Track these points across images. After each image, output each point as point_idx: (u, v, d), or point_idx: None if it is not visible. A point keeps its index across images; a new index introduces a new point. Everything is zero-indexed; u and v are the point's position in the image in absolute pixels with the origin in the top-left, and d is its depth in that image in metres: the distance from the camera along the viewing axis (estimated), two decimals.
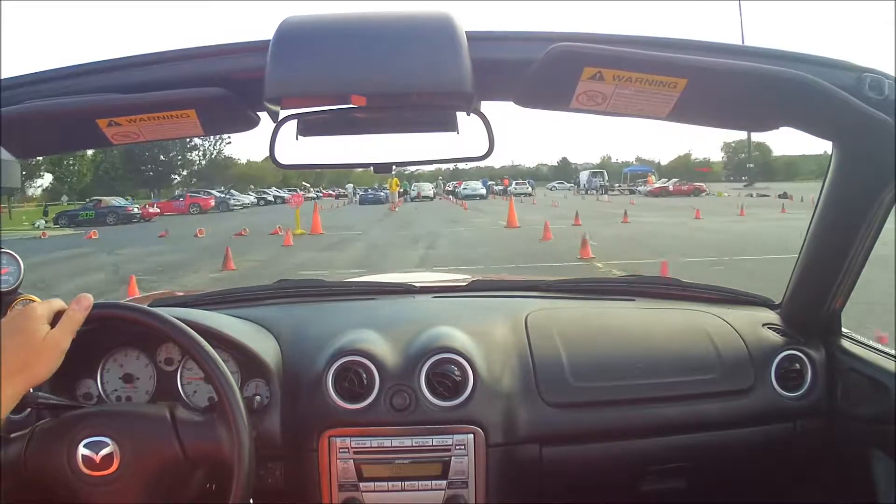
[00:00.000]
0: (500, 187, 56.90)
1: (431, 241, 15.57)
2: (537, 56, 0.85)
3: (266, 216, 27.80)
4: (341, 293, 1.77)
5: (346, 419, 1.31)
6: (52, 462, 1.04)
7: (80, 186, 55.88)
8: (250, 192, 52.05)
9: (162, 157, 68.87)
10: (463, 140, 1.01)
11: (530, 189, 53.73)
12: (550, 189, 65.33)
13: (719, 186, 52.52)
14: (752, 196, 36.20)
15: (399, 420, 1.31)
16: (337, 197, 58.40)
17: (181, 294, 1.93)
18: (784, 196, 30.67)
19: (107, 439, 1.05)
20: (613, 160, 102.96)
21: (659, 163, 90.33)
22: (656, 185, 47.22)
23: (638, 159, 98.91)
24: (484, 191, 47.92)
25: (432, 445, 1.31)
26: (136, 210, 31.77)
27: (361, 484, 1.30)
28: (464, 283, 1.85)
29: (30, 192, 58.34)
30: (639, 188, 50.51)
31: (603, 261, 10.84)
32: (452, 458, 1.31)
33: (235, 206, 41.27)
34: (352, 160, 1.09)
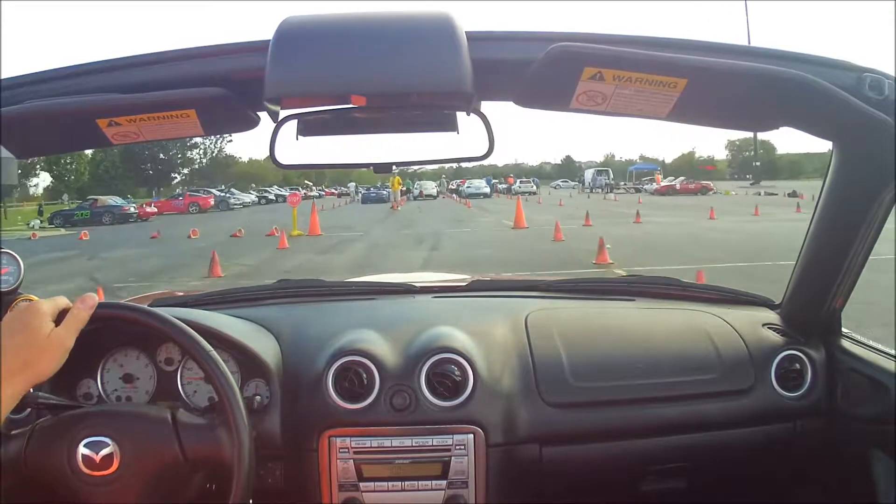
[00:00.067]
0: (504, 186, 56.41)
1: (435, 242, 14.98)
2: (537, 56, 0.85)
3: (266, 215, 27.38)
4: (341, 293, 1.77)
5: (347, 419, 1.31)
6: (51, 460, 1.04)
7: (79, 185, 55.77)
8: (251, 191, 51.84)
9: (162, 155, 68.89)
10: (463, 140, 1.01)
11: (535, 187, 53.03)
12: (555, 187, 64.89)
13: (725, 185, 51.91)
14: (760, 195, 35.82)
15: (399, 420, 1.31)
16: (339, 196, 58.15)
17: (181, 294, 1.93)
18: (794, 195, 30.05)
19: (107, 439, 1.05)
20: (617, 158, 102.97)
21: (663, 161, 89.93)
22: (663, 184, 46.74)
23: (641, 157, 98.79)
24: (488, 189, 47.43)
25: (432, 445, 1.31)
26: (132, 210, 31.54)
27: (361, 484, 1.30)
28: (464, 283, 1.85)
29: (31, 190, 58.44)
30: (645, 186, 50.00)
31: (623, 267, 9.86)
32: (452, 458, 1.31)
33: (236, 204, 40.89)
34: (352, 160, 1.09)
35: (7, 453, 1.05)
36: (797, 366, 1.45)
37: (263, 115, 0.99)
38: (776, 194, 34.47)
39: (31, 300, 1.14)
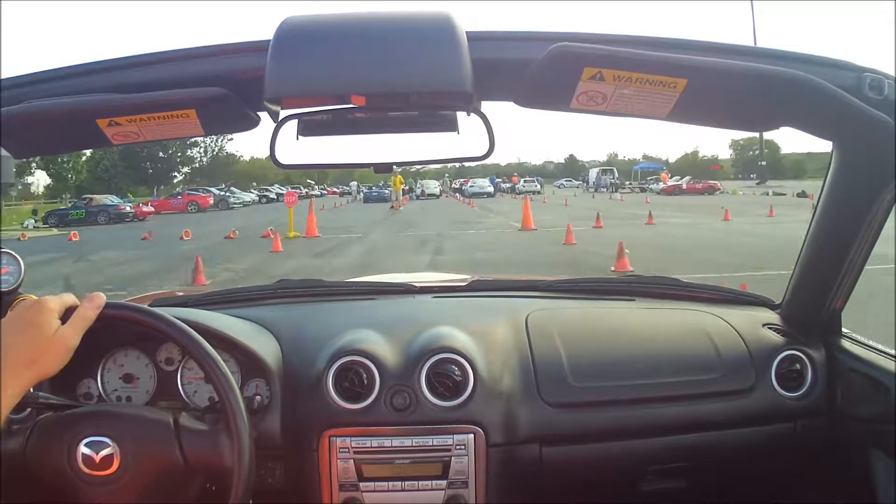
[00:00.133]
0: (508, 185, 55.66)
1: (438, 245, 14.24)
2: (537, 56, 0.85)
3: (265, 215, 26.75)
4: (341, 293, 1.77)
5: (347, 419, 1.31)
6: (52, 457, 1.05)
7: (77, 183, 55.63)
8: (252, 190, 51.49)
9: (161, 154, 68.48)
10: (463, 139, 1.00)
11: (539, 187, 52.37)
12: (558, 187, 64.11)
13: (730, 184, 51.28)
14: (767, 194, 35.34)
15: (399, 420, 1.31)
16: (342, 195, 57.94)
17: (181, 294, 1.93)
18: (803, 195, 29.60)
19: (108, 440, 1.05)
20: (620, 157, 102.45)
21: (667, 160, 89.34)
22: (670, 183, 46.18)
23: (644, 157, 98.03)
24: (492, 188, 46.76)
25: (432, 445, 1.31)
26: (128, 209, 30.53)
27: (361, 484, 1.31)
28: (464, 283, 1.85)
29: (32, 189, 58.44)
30: (650, 186, 49.38)
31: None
32: (452, 458, 1.31)
33: (235, 204, 40.15)
34: (352, 160, 1.09)
35: (7, 447, 1.04)
36: (797, 366, 1.45)
37: (264, 115, 0.99)
38: (784, 194, 33.67)
39: (31, 300, 1.14)
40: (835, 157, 1.14)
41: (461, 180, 55.93)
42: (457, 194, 49.24)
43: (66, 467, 1.04)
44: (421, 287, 1.76)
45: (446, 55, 0.84)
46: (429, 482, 1.31)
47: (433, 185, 49.32)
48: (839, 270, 1.31)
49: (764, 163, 64.21)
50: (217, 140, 70.79)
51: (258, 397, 1.34)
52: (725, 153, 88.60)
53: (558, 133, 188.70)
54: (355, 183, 63.77)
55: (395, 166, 1.11)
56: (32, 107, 0.90)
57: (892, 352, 1.33)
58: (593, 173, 59.66)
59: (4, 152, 0.97)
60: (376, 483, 1.31)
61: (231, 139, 72.77)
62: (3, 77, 0.94)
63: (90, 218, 28.68)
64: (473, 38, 0.86)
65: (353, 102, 0.93)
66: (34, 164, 53.27)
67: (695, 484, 1.48)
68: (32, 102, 0.90)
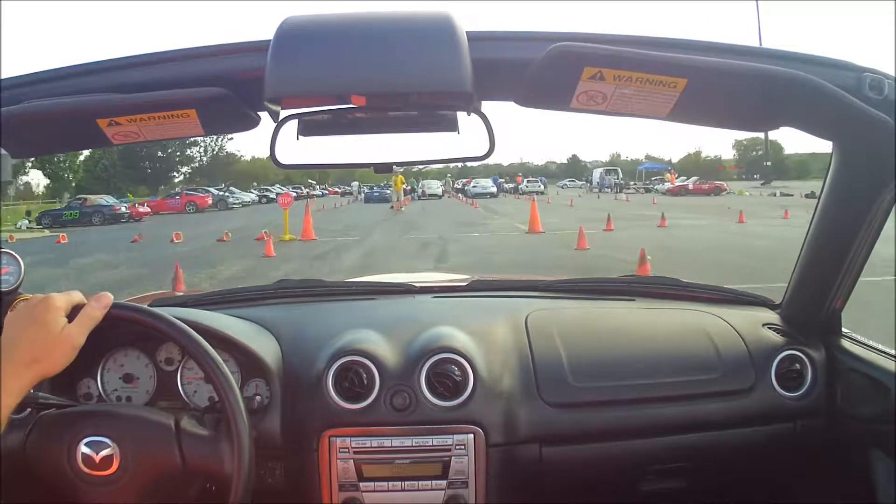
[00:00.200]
0: (511, 185, 55.37)
1: (442, 249, 13.45)
2: (537, 56, 0.85)
3: (264, 215, 26.02)
4: (341, 293, 1.77)
5: (347, 419, 1.31)
6: (51, 455, 1.05)
7: (75, 183, 55.40)
8: (252, 190, 51.13)
9: (160, 153, 68.07)
10: (463, 139, 1.00)
11: (542, 187, 51.77)
12: (562, 187, 63.60)
13: (735, 185, 50.67)
14: (774, 195, 35.11)
15: (399, 420, 1.31)
16: (343, 195, 57.74)
17: (181, 294, 1.93)
18: (812, 195, 29.27)
19: (108, 440, 1.05)
20: (623, 157, 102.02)
21: (670, 160, 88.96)
22: (676, 184, 45.90)
23: (647, 157, 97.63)
24: (495, 189, 46.26)
25: (432, 445, 1.31)
26: (124, 209, 29.64)
27: (361, 484, 1.31)
28: (464, 283, 1.85)
29: (33, 189, 58.34)
30: (656, 187, 49.09)
31: None
32: (452, 458, 1.31)
33: (234, 204, 39.62)
34: (352, 160, 1.09)
35: (7, 444, 1.04)
36: (797, 366, 1.45)
37: (264, 114, 0.99)
38: (792, 195, 32.88)
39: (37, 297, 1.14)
40: (835, 157, 1.14)
41: (464, 180, 55.33)
42: (459, 195, 48.77)
43: (65, 466, 1.04)
44: (421, 287, 1.76)
45: (446, 55, 0.84)
46: (429, 482, 1.31)
47: (435, 186, 48.97)
48: (839, 270, 1.31)
49: (769, 163, 63.86)
50: (217, 140, 70.42)
51: (258, 397, 1.34)
52: (729, 153, 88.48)
53: (561, 133, 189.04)
54: (356, 183, 63.61)
55: (395, 166, 1.11)
56: (32, 107, 0.90)
57: (892, 352, 1.33)
58: (597, 173, 59.23)
59: (3, 151, 0.97)
60: (376, 483, 1.31)
61: (231, 139, 72.48)
62: (3, 77, 0.94)
63: (84, 218, 28.09)
64: (473, 38, 0.86)
65: (353, 102, 0.93)
66: (29, 164, 53.03)
67: (695, 484, 1.48)
68: (32, 102, 0.90)
